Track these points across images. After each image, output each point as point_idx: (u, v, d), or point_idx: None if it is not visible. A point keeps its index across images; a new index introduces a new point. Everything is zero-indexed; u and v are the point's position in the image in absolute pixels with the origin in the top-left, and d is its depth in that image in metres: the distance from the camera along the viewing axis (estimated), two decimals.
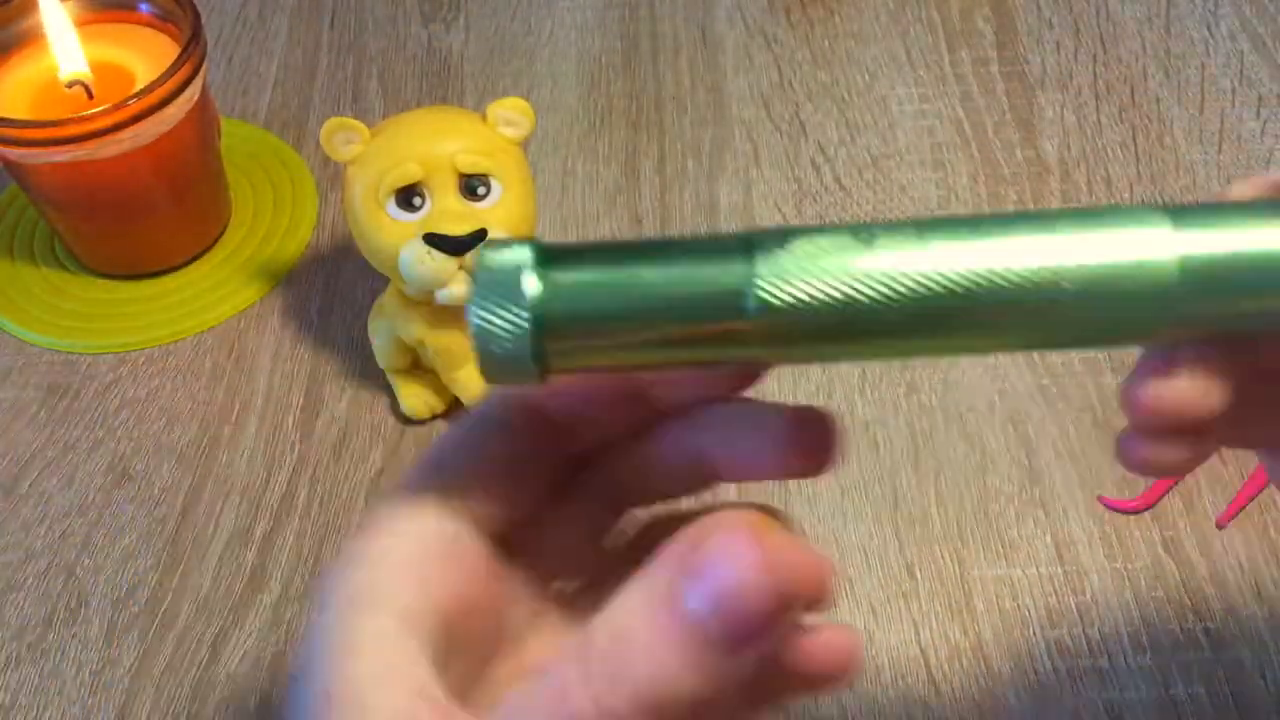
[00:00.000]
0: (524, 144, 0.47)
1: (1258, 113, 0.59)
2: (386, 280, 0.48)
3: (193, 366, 0.53)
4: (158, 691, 0.43)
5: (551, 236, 0.56)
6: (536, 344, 0.24)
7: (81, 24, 0.55)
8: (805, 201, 0.57)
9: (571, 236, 0.56)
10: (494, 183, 0.45)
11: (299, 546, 0.47)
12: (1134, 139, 0.59)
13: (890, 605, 0.44)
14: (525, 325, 0.24)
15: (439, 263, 0.44)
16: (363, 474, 0.49)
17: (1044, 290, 0.23)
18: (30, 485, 0.49)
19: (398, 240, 0.44)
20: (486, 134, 0.45)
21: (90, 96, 0.53)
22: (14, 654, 0.45)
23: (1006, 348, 0.24)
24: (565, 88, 0.63)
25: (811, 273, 0.23)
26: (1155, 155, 0.58)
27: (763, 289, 0.23)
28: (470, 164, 0.44)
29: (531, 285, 0.24)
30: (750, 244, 0.24)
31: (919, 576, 0.45)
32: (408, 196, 0.44)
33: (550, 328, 0.24)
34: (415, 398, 0.50)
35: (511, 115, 0.46)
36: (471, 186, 0.45)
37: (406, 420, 0.50)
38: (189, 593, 0.46)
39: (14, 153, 0.50)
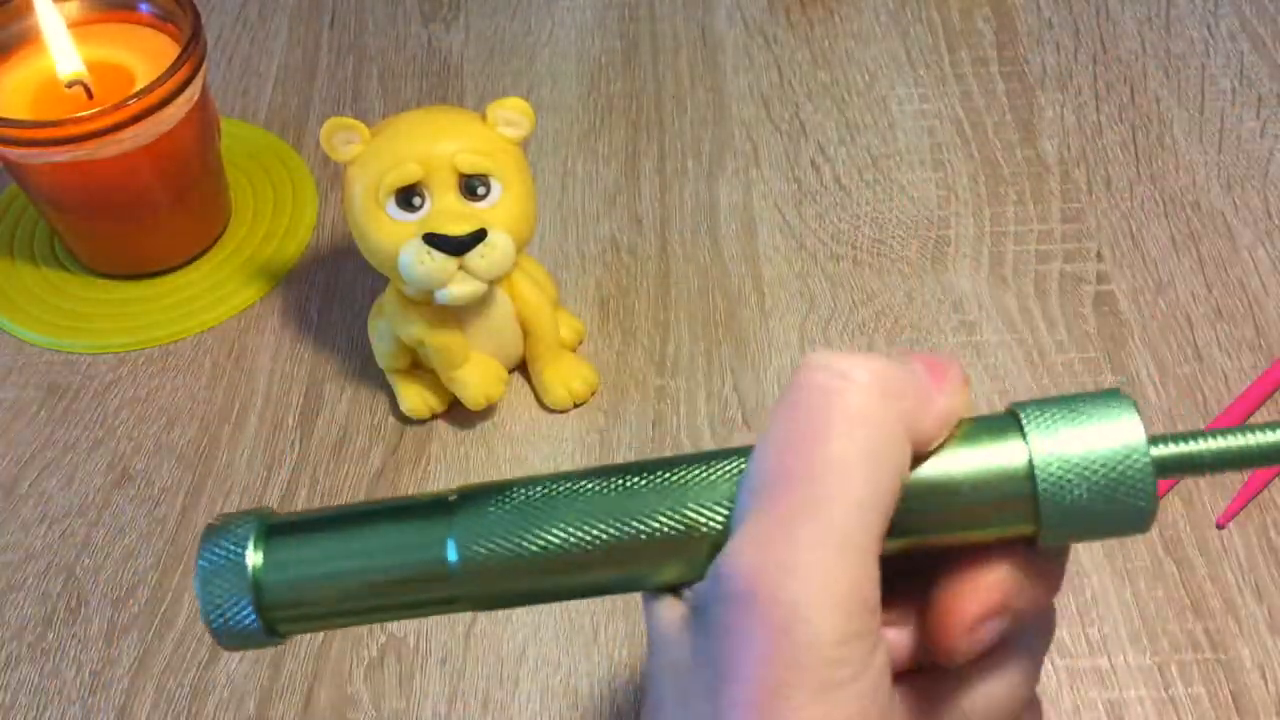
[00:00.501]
0: (524, 144, 0.47)
1: (1258, 113, 0.59)
2: (386, 280, 0.48)
3: (193, 366, 0.53)
4: (158, 691, 0.43)
5: (551, 236, 0.56)
6: (260, 613, 0.26)
7: (81, 24, 0.55)
8: (805, 201, 0.57)
9: (571, 236, 0.56)
10: (494, 183, 0.45)
11: None
12: (1134, 139, 0.59)
13: None
14: (247, 598, 0.26)
15: (439, 263, 0.44)
16: (363, 474, 0.49)
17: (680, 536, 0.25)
18: (30, 485, 0.49)
19: (397, 240, 0.44)
20: (486, 134, 0.45)
21: (90, 96, 0.53)
22: (14, 654, 0.45)
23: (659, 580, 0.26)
24: (565, 88, 0.63)
25: (501, 530, 0.26)
26: (1155, 155, 0.58)
27: (461, 547, 0.26)
28: (470, 164, 0.44)
29: (251, 559, 0.26)
30: (450, 506, 0.26)
31: None
32: (408, 196, 0.44)
33: (270, 598, 0.26)
34: (415, 398, 0.50)
35: (511, 115, 0.46)
36: (471, 186, 0.45)
37: (406, 420, 0.50)
38: (189, 592, 0.46)
39: (14, 153, 0.50)
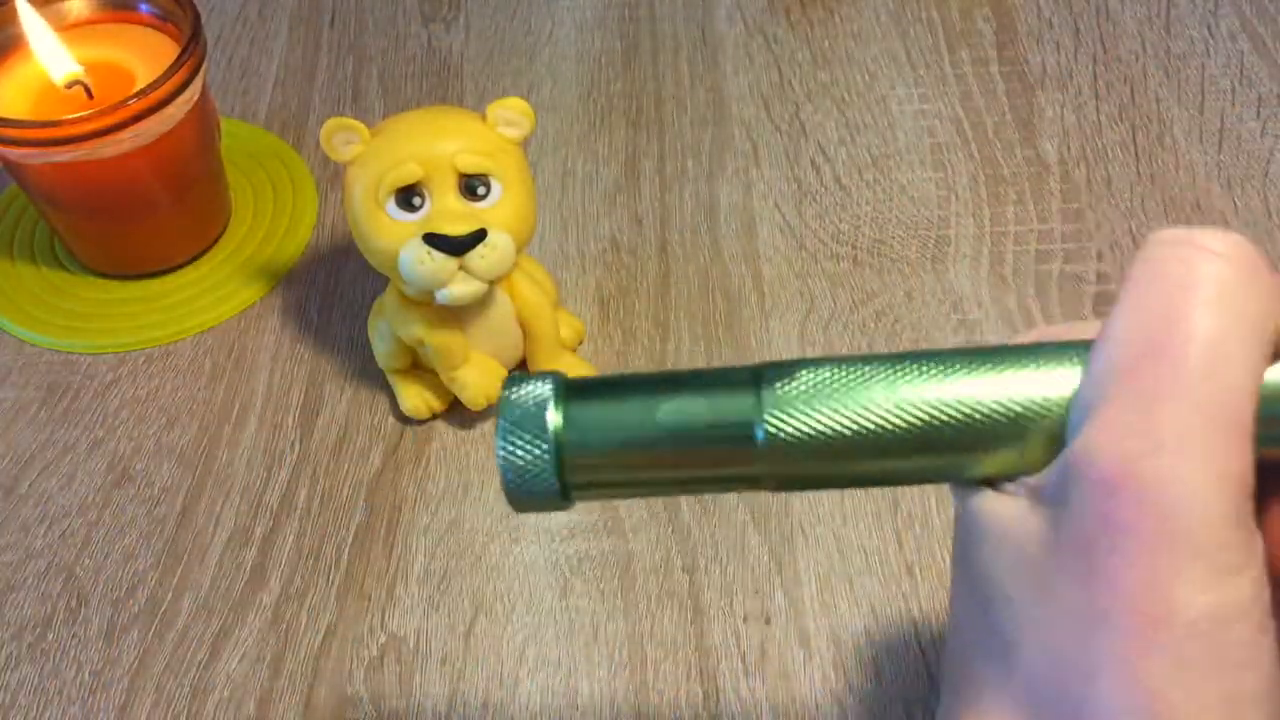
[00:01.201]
0: (524, 144, 0.47)
1: (1258, 113, 0.59)
2: (386, 280, 0.48)
3: (193, 366, 0.53)
4: (158, 691, 0.43)
5: (551, 236, 0.56)
6: (559, 474, 0.26)
7: (81, 24, 0.55)
8: (805, 201, 0.57)
9: (571, 236, 0.56)
10: (494, 183, 0.45)
11: (299, 546, 0.47)
12: (1134, 139, 0.59)
13: (890, 605, 0.44)
14: (548, 457, 0.25)
15: (439, 263, 0.44)
16: (363, 474, 0.49)
17: (1004, 423, 0.24)
18: (30, 485, 0.49)
19: (397, 240, 0.44)
20: (486, 134, 0.45)
21: (90, 96, 0.53)
22: (14, 654, 0.45)
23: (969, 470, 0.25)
24: (565, 88, 0.63)
25: (814, 407, 0.25)
26: (1155, 155, 0.58)
27: (770, 423, 0.25)
28: (470, 164, 0.44)
29: (553, 419, 0.25)
30: (758, 378, 0.25)
31: (919, 576, 0.45)
32: (408, 196, 0.44)
33: (570, 459, 0.26)
34: (415, 398, 0.50)
35: (511, 115, 0.46)
36: (471, 186, 0.45)
37: (406, 420, 0.50)
38: (189, 592, 0.46)
39: (14, 153, 0.50)
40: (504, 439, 0.26)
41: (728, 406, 0.25)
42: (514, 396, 0.26)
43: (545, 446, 0.25)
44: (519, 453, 0.26)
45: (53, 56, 0.53)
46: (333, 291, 0.55)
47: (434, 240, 0.44)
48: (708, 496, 0.47)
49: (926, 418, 0.24)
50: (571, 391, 0.26)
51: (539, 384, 0.26)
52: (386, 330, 0.48)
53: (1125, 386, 0.22)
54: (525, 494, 0.26)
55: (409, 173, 0.44)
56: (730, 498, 0.47)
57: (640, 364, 0.51)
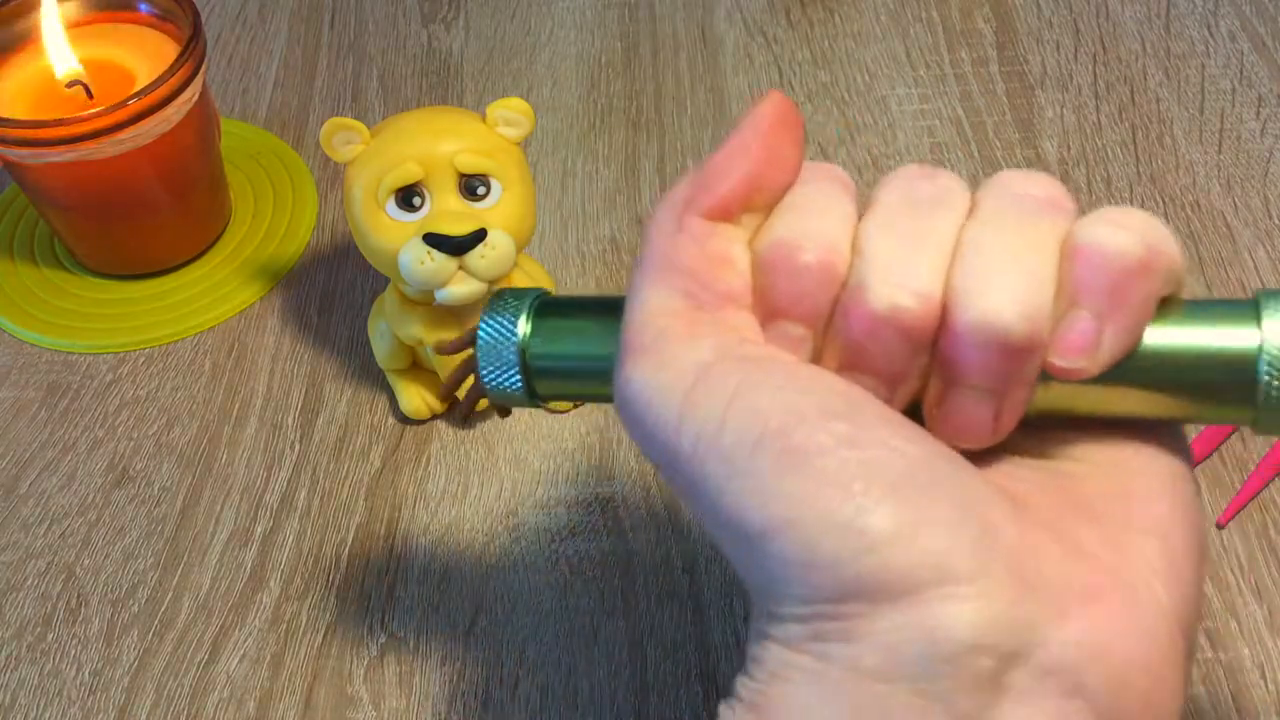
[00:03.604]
0: (524, 144, 0.47)
1: (1258, 113, 0.59)
2: (386, 280, 0.48)
3: (193, 366, 0.53)
4: (158, 691, 0.43)
5: (551, 236, 0.56)
6: (525, 376, 0.30)
7: (81, 24, 0.55)
8: None
9: (572, 236, 0.56)
10: (494, 183, 0.45)
11: (299, 546, 0.47)
12: (1134, 139, 0.59)
13: None
14: (515, 365, 0.30)
15: (439, 263, 0.44)
16: (362, 474, 0.49)
17: None
18: (30, 485, 0.49)
19: (397, 240, 0.44)
20: (486, 134, 0.45)
21: (90, 96, 0.53)
22: (14, 654, 0.45)
23: None
24: (565, 88, 0.63)
25: None
26: (1155, 155, 0.58)
27: None
28: (470, 164, 0.44)
29: (522, 328, 0.30)
30: None
31: None
32: (407, 196, 0.44)
33: (534, 366, 0.30)
34: (415, 398, 0.50)
35: (511, 115, 0.46)
36: (471, 186, 0.45)
37: (406, 420, 0.50)
38: (189, 592, 0.46)
39: (14, 153, 0.50)
40: (480, 347, 0.30)
41: None
42: (493, 309, 0.30)
43: (511, 353, 0.30)
44: (491, 358, 0.30)
45: (58, 53, 0.53)
46: (333, 291, 0.55)
47: (434, 240, 0.44)
48: None
49: None
50: (543, 307, 0.30)
51: (517, 298, 0.30)
52: (386, 330, 0.48)
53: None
54: (499, 394, 0.30)
55: (409, 173, 0.44)
56: None
57: None
